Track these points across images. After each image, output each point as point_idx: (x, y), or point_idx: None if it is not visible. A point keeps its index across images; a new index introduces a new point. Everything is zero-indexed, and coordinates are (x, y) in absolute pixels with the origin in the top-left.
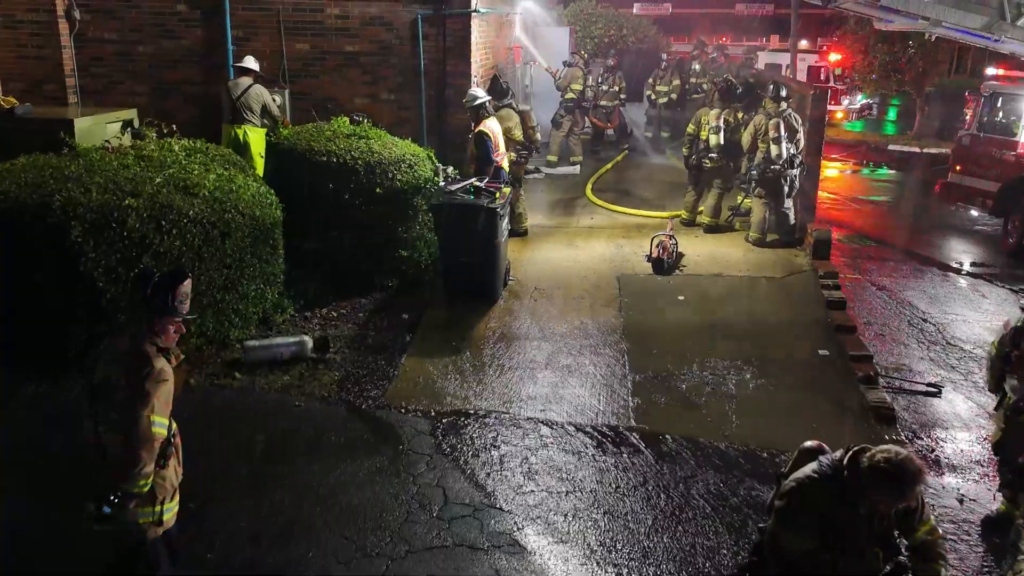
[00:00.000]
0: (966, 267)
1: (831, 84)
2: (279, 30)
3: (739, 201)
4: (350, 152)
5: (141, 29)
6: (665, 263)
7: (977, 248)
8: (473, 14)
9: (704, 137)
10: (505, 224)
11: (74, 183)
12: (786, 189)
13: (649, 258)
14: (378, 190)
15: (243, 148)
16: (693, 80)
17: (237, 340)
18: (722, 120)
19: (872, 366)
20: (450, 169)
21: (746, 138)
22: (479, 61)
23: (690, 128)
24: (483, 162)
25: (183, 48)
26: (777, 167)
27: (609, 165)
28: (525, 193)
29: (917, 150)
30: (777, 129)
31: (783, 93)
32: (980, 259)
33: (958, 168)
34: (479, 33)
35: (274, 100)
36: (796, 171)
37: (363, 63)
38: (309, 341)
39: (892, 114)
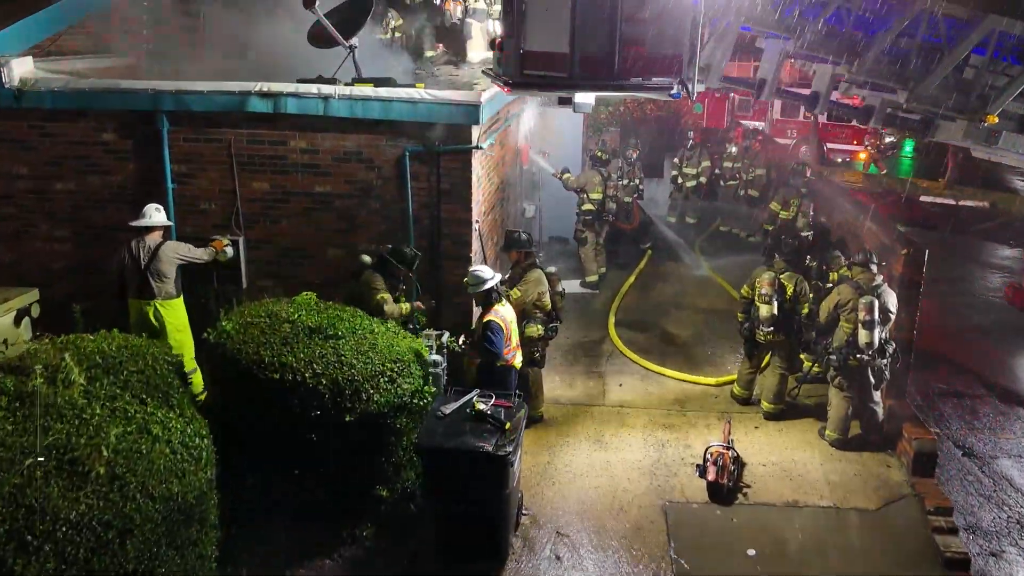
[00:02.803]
0: None
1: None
2: (231, 165)
3: (806, 368)
4: (312, 366)
5: (60, 163)
6: (724, 488)
7: None
8: (474, 150)
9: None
10: (517, 465)
11: None
12: (873, 381)
13: (702, 473)
14: (348, 417)
15: (157, 331)
16: (729, 164)
17: None
18: (776, 285)
19: None
20: (445, 337)
21: (824, 311)
22: (481, 198)
23: (744, 291)
24: (489, 359)
25: (112, 186)
26: (865, 357)
27: (632, 278)
28: None
29: (952, 202)
30: (870, 311)
31: (875, 259)
32: None
33: None
34: (481, 167)
35: (230, 248)
36: (887, 360)
37: (337, 207)
38: None
39: (908, 147)
